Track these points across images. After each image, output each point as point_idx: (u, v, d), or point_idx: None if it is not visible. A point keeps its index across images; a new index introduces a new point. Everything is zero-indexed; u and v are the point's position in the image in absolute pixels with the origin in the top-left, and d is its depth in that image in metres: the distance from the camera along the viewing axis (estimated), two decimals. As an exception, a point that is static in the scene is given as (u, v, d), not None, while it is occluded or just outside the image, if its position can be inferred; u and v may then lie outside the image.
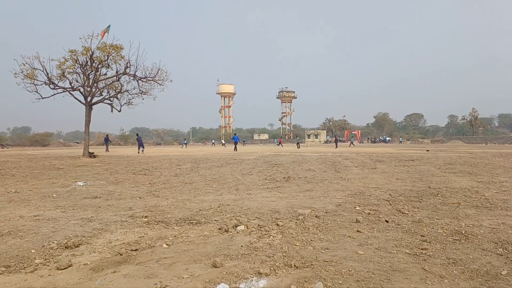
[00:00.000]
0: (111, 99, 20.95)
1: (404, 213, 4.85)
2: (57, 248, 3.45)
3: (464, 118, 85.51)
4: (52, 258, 3.19)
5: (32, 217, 4.85)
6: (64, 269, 2.91)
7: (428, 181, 8.26)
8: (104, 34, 19.53)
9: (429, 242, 3.49)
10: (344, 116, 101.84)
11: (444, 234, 3.78)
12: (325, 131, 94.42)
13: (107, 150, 32.40)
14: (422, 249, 3.27)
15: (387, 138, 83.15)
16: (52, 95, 19.56)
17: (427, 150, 26.79)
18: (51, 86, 19.07)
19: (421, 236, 3.71)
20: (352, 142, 51.14)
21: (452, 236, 3.70)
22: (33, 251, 3.36)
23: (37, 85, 18.83)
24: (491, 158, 15.88)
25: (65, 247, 3.47)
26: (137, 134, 29.59)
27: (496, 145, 48.76)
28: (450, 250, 3.24)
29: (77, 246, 3.50)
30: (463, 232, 3.83)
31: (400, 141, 71.78)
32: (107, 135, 37.50)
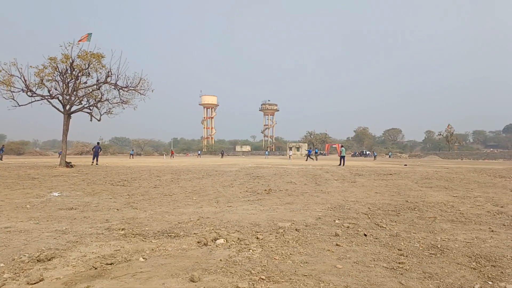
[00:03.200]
0: (91, 108, 20.60)
1: (382, 227, 4.92)
2: (28, 262, 3.31)
3: (440, 134, 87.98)
4: (23, 272, 3.06)
5: (3, 228, 4.66)
6: (35, 283, 2.79)
7: (405, 195, 8.42)
8: (81, 40, 19.20)
9: (406, 256, 3.54)
10: (326, 130, 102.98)
11: (421, 248, 3.85)
12: (306, 144, 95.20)
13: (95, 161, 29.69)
14: (399, 263, 3.32)
15: (367, 152, 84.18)
16: (30, 103, 19.07)
17: (405, 165, 27.37)
18: (29, 93, 18.62)
19: (399, 250, 3.77)
20: (309, 156, 41.30)
21: (429, 250, 3.77)
22: (1, 264, 3.22)
23: (13, 92, 18.36)
24: (466, 173, 16.36)
25: (37, 260, 3.35)
26: (132, 150, 28.79)
27: (471, 161, 50.29)
28: (426, 264, 3.30)
29: (49, 260, 3.38)
30: (439, 246, 3.90)
31: (375, 155, 58.86)
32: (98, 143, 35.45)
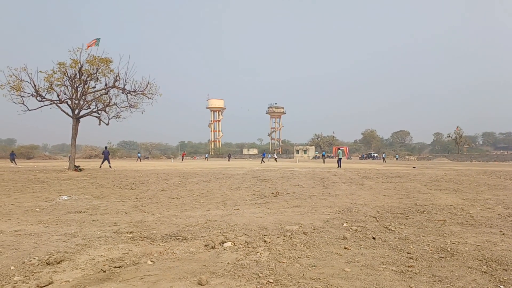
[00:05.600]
0: (99, 112, 20.78)
1: (391, 230, 4.88)
2: (38, 265, 3.35)
3: (449, 136, 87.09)
4: (32, 275, 3.09)
5: (13, 232, 4.72)
6: (44, 286, 2.82)
7: (414, 198, 8.34)
8: (89, 46, 19.43)
9: (415, 260, 3.50)
10: (334, 132, 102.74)
11: (430, 251, 3.81)
12: (313, 147, 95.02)
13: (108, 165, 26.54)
14: (409, 266, 3.28)
15: (375, 155, 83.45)
16: (39, 107, 19.33)
17: (414, 167, 27.14)
18: (38, 98, 18.86)
19: (408, 253, 3.73)
20: (275, 158, 45.09)
21: (438, 253, 3.73)
22: (12, 267, 3.26)
23: (24, 97, 18.63)
24: (476, 176, 16.15)
25: (47, 263, 3.38)
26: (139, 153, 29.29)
27: (481, 163, 49.68)
28: (436, 268, 3.26)
29: (59, 263, 3.41)
30: (448, 249, 3.86)
31: (383, 158, 59.08)
32: (106, 147, 33.26)
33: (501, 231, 4.81)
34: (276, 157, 51.25)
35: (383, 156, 60.41)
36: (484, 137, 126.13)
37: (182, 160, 56.28)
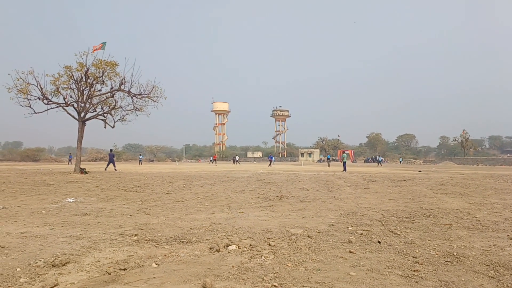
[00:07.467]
0: (105, 115, 20.89)
1: (397, 234, 4.84)
2: (43, 267, 3.36)
3: (455, 140, 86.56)
4: (38, 277, 3.11)
5: (20, 234, 4.75)
6: (49, 288, 2.83)
7: (420, 201, 8.29)
8: (95, 49, 19.58)
9: (421, 264, 3.47)
10: (339, 135, 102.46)
11: (436, 255, 3.77)
12: (318, 150, 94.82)
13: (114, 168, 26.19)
14: (414, 270, 3.26)
15: (380, 158, 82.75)
16: (45, 110, 19.47)
17: (419, 171, 26.97)
18: (45, 101, 19.01)
19: (413, 257, 3.70)
20: (236, 161, 44.84)
21: (444, 257, 3.69)
22: (18, 269, 3.28)
23: (30, 100, 18.77)
24: (482, 180, 16.02)
25: (52, 265, 3.39)
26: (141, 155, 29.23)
27: (487, 167, 49.28)
28: (442, 272, 3.23)
29: (64, 265, 3.42)
30: (455, 253, 3.82)
31: (380, 161, 51.84)
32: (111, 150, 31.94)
33: (508, 235, 4.76)
34: (237, 159, 50.63)
35: (379, 159, 54.95)
36: (491, 141, 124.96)
37: (213, 163, 52.78)
